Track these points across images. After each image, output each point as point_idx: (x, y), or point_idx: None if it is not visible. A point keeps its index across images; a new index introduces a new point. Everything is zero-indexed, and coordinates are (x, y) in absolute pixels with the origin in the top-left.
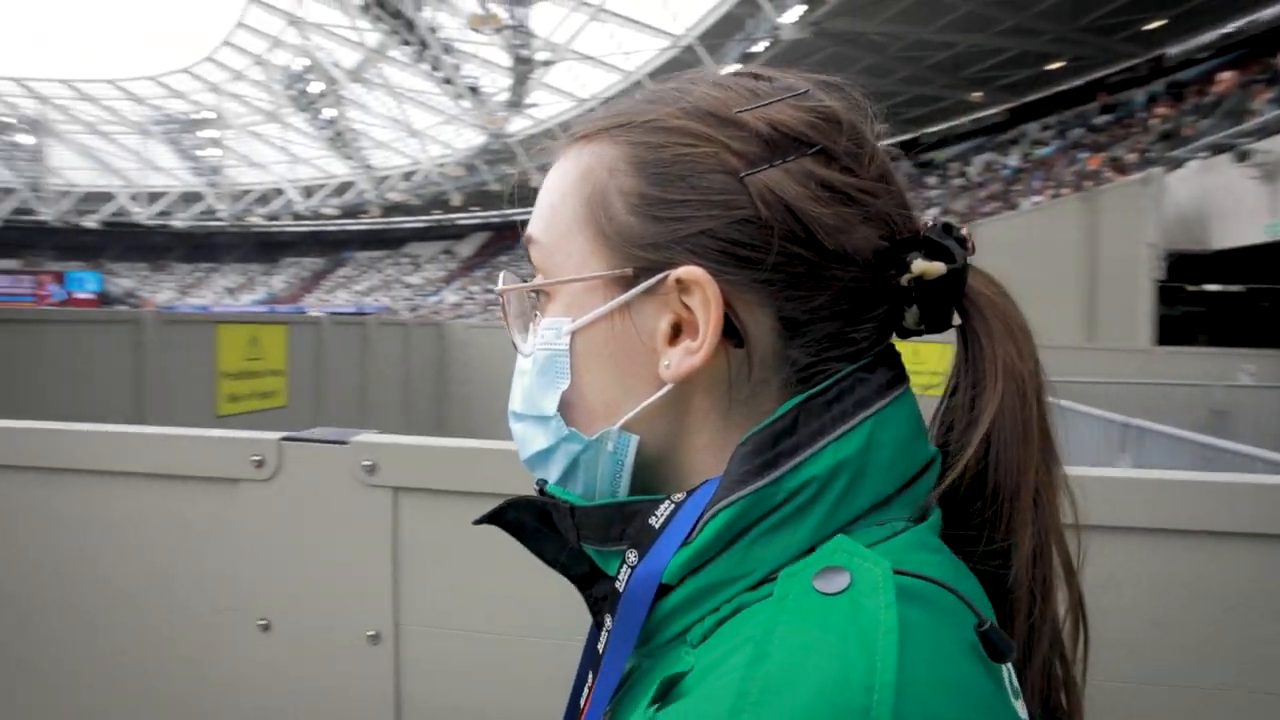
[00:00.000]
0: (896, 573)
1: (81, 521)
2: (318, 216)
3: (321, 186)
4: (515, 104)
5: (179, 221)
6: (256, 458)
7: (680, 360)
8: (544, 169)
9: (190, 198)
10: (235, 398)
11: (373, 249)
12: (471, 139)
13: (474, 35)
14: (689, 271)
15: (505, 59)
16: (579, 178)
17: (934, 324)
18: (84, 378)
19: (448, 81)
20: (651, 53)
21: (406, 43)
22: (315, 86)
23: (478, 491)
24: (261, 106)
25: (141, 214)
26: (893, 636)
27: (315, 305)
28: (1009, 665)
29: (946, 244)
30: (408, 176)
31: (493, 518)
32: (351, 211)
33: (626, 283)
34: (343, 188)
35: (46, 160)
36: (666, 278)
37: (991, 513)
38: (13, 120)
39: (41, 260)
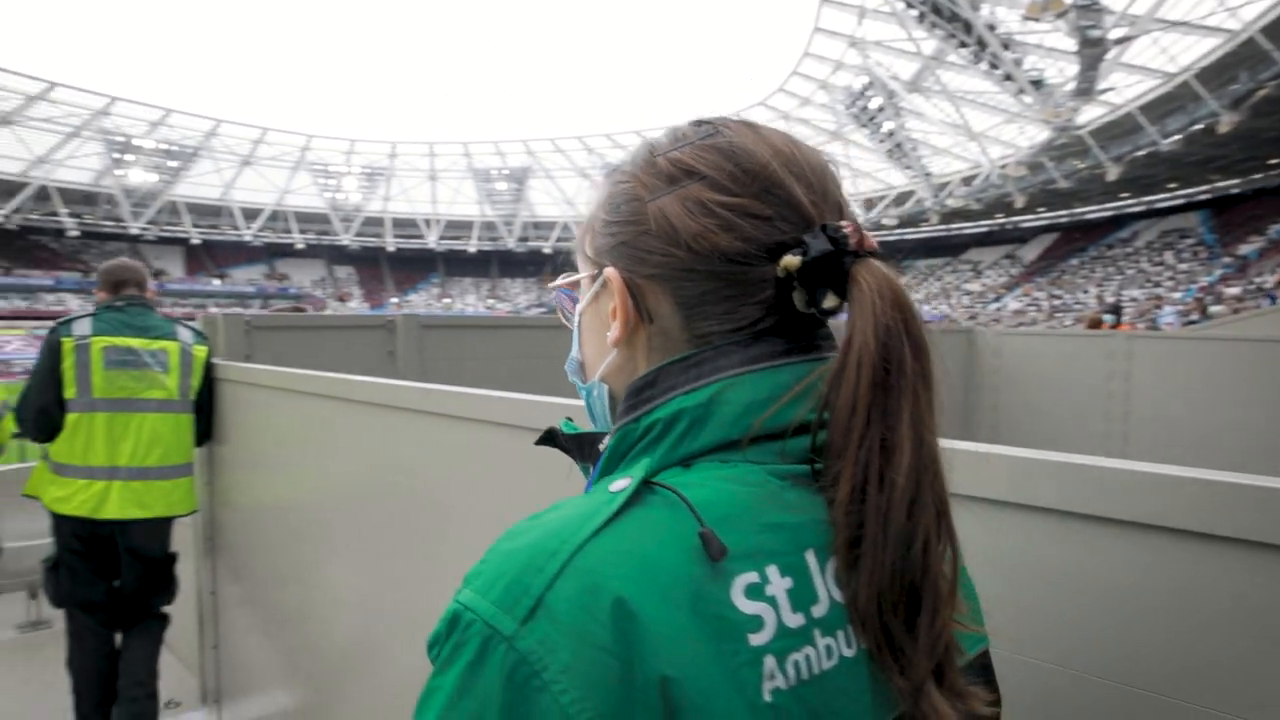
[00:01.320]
0: (655, 484)
1: (498, 458)
2: (878, 227)
3: (882, 198)
4: (1085, 91)
5: None
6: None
7: (614, 332)
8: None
9: None
10: None
11: (931, 257)
12: (1035, 136)
13: (1035, 25)
14: (609, 272)
15: (1071, 44)
16: (591, 208)
17: (819, 307)
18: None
19: (1008, 78)
20: (1268, 2)
21: (964, 44)
22: (875, 102)
23: None
24: (825, 127)
25: None
26: (604, 514)
27: None
28: (779, 576)
29: (812, 241)
30: (967, 181)
31: (545, 440)
32: (910, 220)
33: (593, 281)
34: (901, 197)
35: None
36: (604, 277)
37: (824, 464)
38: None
39: None
